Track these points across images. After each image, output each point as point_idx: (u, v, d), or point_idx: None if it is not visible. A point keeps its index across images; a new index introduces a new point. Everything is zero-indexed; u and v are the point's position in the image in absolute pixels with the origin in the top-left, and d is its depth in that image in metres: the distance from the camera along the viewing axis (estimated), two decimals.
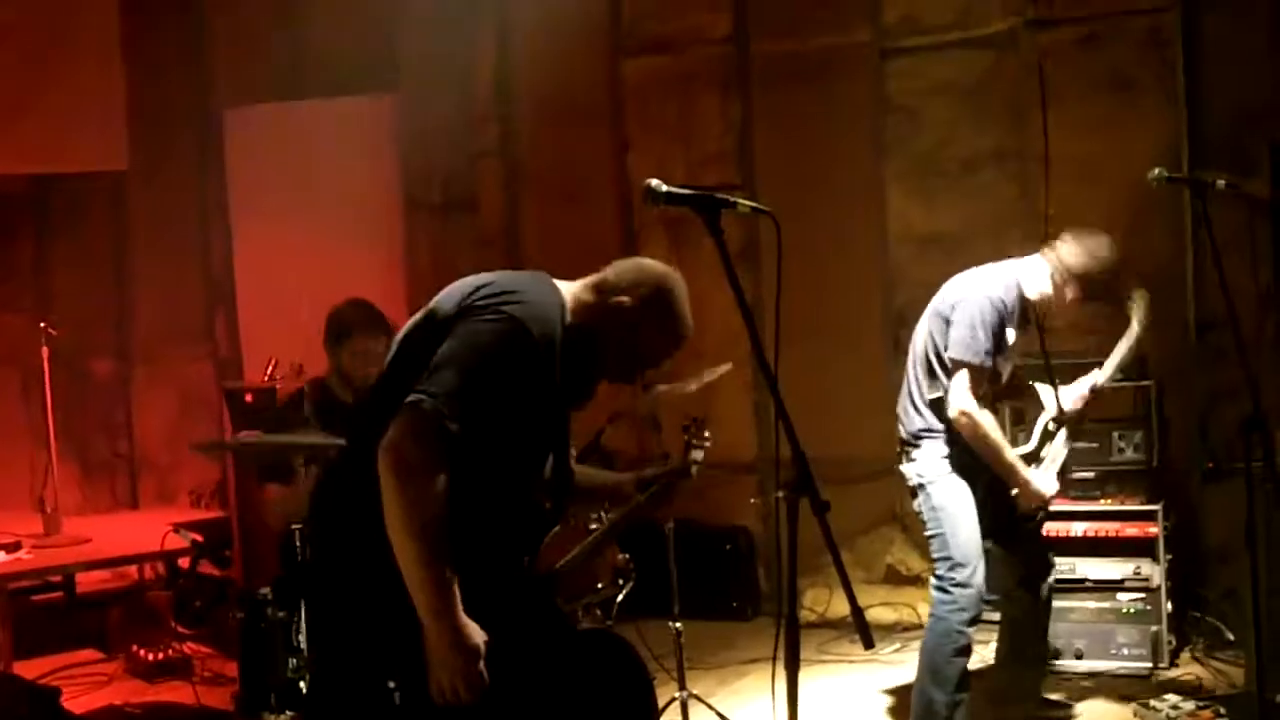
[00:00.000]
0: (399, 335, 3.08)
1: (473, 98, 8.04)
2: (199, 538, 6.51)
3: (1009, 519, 4.84)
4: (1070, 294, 4.75)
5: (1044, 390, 5.06)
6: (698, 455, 3.95)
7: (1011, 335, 4.74)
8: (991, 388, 4.75)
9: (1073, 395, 5.06)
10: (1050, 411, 4.98)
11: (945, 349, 4.67)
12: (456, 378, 2.75)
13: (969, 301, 4.69)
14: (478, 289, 2.94)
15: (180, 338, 8.37)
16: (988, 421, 4.61)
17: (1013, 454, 4.72)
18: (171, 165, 8.42)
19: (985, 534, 4.74)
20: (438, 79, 7.92)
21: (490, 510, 2.97)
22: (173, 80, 8.40)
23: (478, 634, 2.79)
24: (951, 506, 4.70)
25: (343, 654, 3.02)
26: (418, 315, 3.04)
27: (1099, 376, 5.04)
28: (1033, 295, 4.79)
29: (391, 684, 2.86)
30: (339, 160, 7.85)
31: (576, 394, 3.13)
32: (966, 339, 4.62)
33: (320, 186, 7.79)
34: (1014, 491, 4.74)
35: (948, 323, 4.70)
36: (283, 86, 8.20)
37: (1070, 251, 4.74)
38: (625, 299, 3.08)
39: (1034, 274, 4.81)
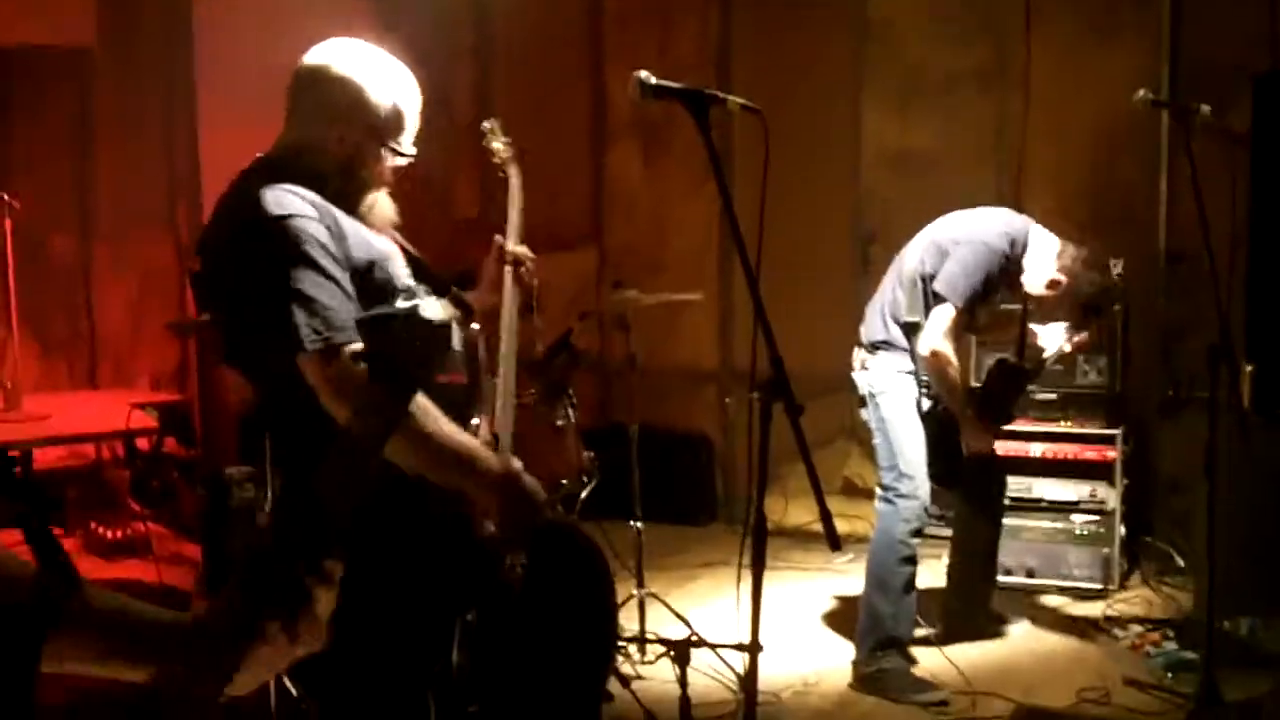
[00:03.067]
0: None
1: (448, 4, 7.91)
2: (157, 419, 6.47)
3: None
4: (1059, 285, 4.86)
5: (1046, 330, 5.20)
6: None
7: (999, 289, 4.82)
8: (963, 330, 4.80)
9: (1056, 334, 5.18)
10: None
11: (935, 280, 4.70)
12: (303, 303, 2.57)
13: (972, 244, 4.69)
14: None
15: (143, 218, 8.20)
16: (954, 364, 4.68)
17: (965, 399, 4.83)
18: (139, 41, 8.23)
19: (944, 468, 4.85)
20: None
21: None
22: None
23: (494, 460, 2.69)
24: (900, 417, 4.76)
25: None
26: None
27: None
28: (1032, 257, 4.84)
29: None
30: (312, 45, 7.69)
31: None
32: (958, 281, 4.63)
33: (291, 71, 7.61)
34: (962, 436, 4.83)
35: (945, 255, 4.70)
36: None
37: (1073, 262, 4.86)
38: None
39: (1044, 242, 4.85)
